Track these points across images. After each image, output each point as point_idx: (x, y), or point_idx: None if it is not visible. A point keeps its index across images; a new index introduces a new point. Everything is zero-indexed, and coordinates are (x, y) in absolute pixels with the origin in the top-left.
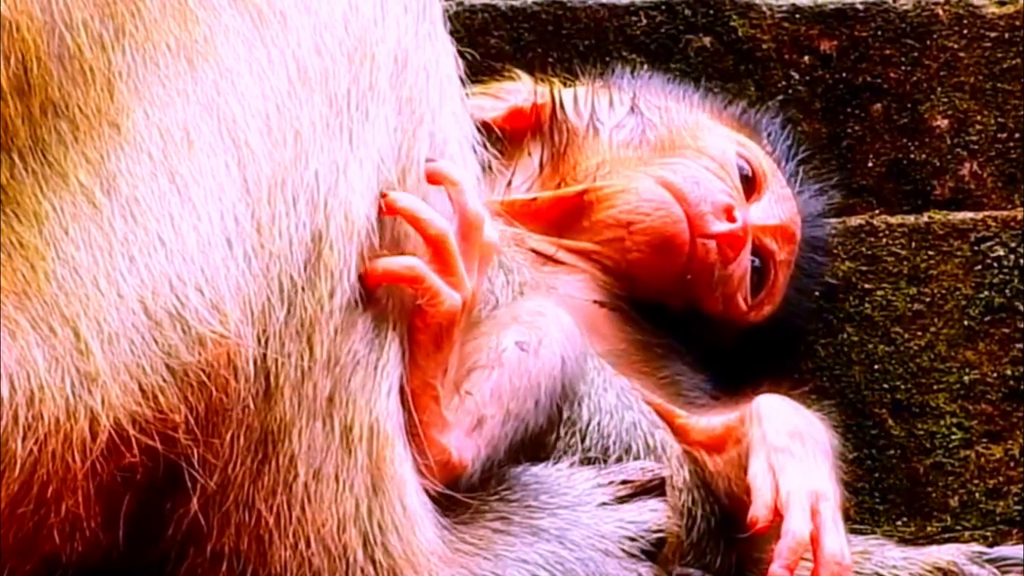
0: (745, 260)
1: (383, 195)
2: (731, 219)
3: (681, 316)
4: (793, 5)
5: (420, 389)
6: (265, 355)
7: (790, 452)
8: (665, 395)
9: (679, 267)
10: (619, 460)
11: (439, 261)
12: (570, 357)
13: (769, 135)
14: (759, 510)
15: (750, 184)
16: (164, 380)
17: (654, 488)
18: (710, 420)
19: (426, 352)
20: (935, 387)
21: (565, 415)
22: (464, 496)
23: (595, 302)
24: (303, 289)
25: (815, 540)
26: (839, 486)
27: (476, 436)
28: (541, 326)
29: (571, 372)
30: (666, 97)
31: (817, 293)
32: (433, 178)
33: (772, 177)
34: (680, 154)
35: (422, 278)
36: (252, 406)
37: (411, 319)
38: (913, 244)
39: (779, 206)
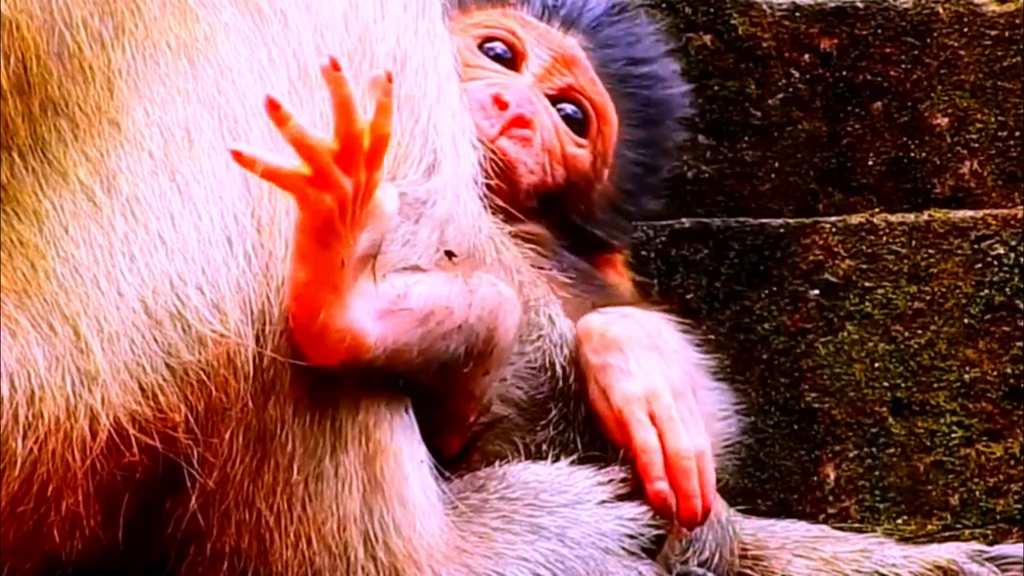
0: (545, 119)
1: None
2: (503, 106)
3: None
4: (793, 3)
5: (316, 286)
6: (263, 354)
7: (609, 366)
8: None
9: (525, 174)
10: (619, 458)
11: (313, 168)
12: (503, 321)
13: None
14: (622, 442)
15: (510, 59)
16: (164, 379)
17: None
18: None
19: (312, 252)
20: (935, 385)
21: (563, 413)
22: (465, 494)
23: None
24: None
25: (661, 442)
26: (685, 370)
27: (387, 322)
28: (476, 271)
29: (502, 335)
30: None
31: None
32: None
33: (526, 31)
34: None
35: (295, 181)
36: (251, 405)
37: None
38: (913, 242)
39: (543, 50)
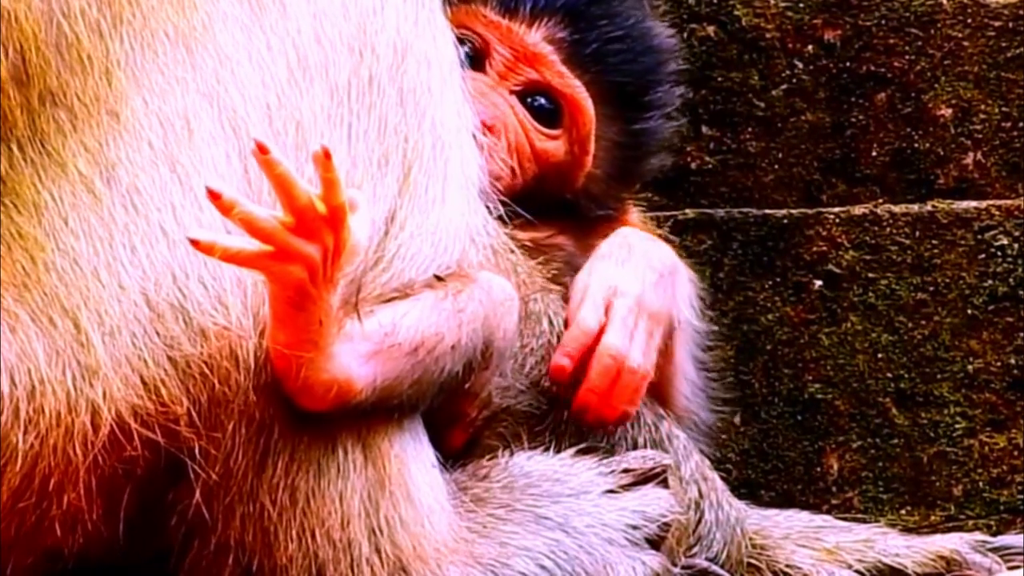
0: (512, 120)
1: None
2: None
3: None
4: None
5: (295, 347)
6: (265, 346)
7: (609, 255)
8: None
9: (492, 180)
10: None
11: (273, 245)
12: (499, 326)
13: None
14: (570, 311)
15: (474, 58)
16: (166, 372)
17: (655, 476)
18: None
19: (289, 316)
20: (939, 376)
21: (559, 417)
22: (469, 484)
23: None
24: None
25: (600, 331)
26: (672, 311)
27: (375, 361)
28: (465, 285)
29: (500, 339)
30: None
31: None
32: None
33: (488, 29)
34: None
35: (257, 260)
36: (253, 397)
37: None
38: (917, 233)
39: (505, 48)
